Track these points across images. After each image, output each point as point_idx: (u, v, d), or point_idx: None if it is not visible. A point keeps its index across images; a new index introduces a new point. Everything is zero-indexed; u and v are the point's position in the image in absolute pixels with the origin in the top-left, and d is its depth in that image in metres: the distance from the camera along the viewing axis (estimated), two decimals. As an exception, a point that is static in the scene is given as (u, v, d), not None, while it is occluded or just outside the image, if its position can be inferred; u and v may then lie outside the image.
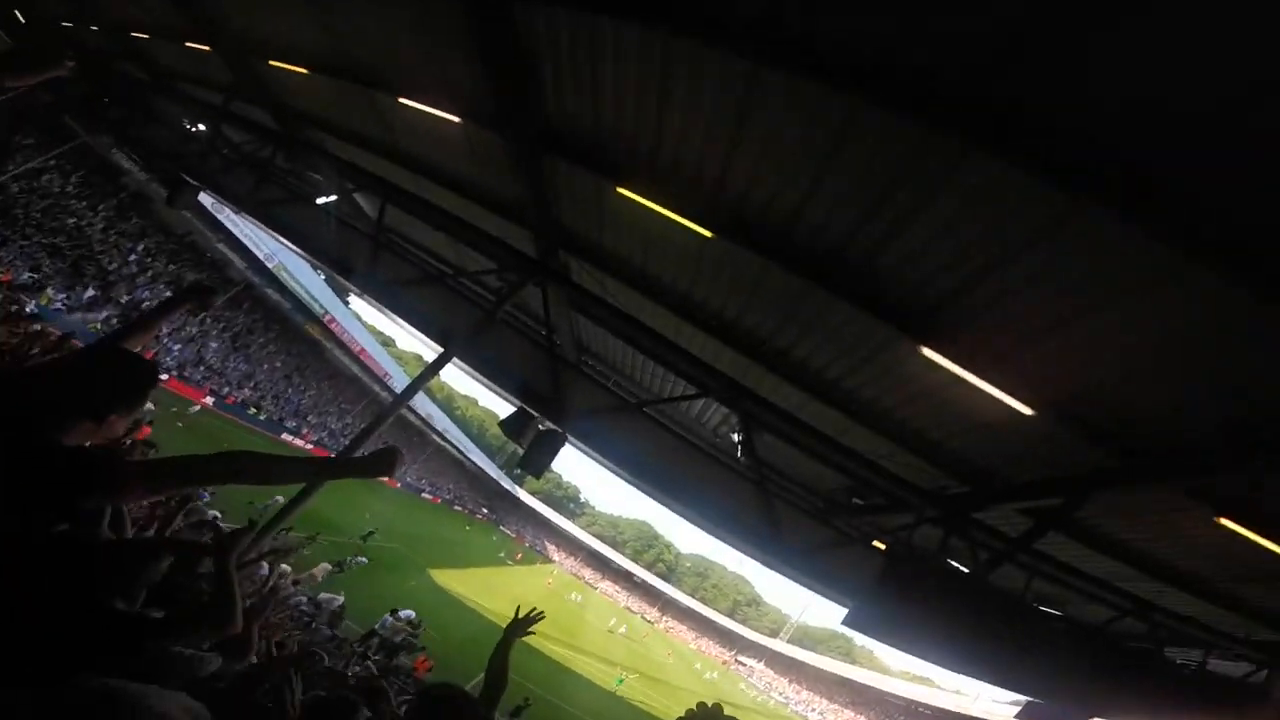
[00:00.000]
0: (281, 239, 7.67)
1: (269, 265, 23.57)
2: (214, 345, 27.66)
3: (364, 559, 18.01)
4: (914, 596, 4.63)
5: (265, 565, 6.58)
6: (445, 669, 13.55)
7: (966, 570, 5.51)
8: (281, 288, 26.54)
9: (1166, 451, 4.12)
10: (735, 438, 6.76)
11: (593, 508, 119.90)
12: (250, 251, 22.32)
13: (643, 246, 5.44)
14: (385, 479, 2.02)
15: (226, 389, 27.77)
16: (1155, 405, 3.91)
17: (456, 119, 5.97)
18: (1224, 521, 4.40)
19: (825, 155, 4.00)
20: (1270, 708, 5.76)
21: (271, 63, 7.37)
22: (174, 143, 8.70)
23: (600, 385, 7.21)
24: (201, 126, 8.93)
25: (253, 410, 29.64)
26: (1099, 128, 2.91)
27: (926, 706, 51.77)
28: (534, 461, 6.05)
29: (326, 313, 30.15)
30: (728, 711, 1.62)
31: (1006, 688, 5.26)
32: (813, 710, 61.40)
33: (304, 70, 7.04)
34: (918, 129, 3.41)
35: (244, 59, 7.76)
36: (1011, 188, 3.38)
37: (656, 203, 5.10)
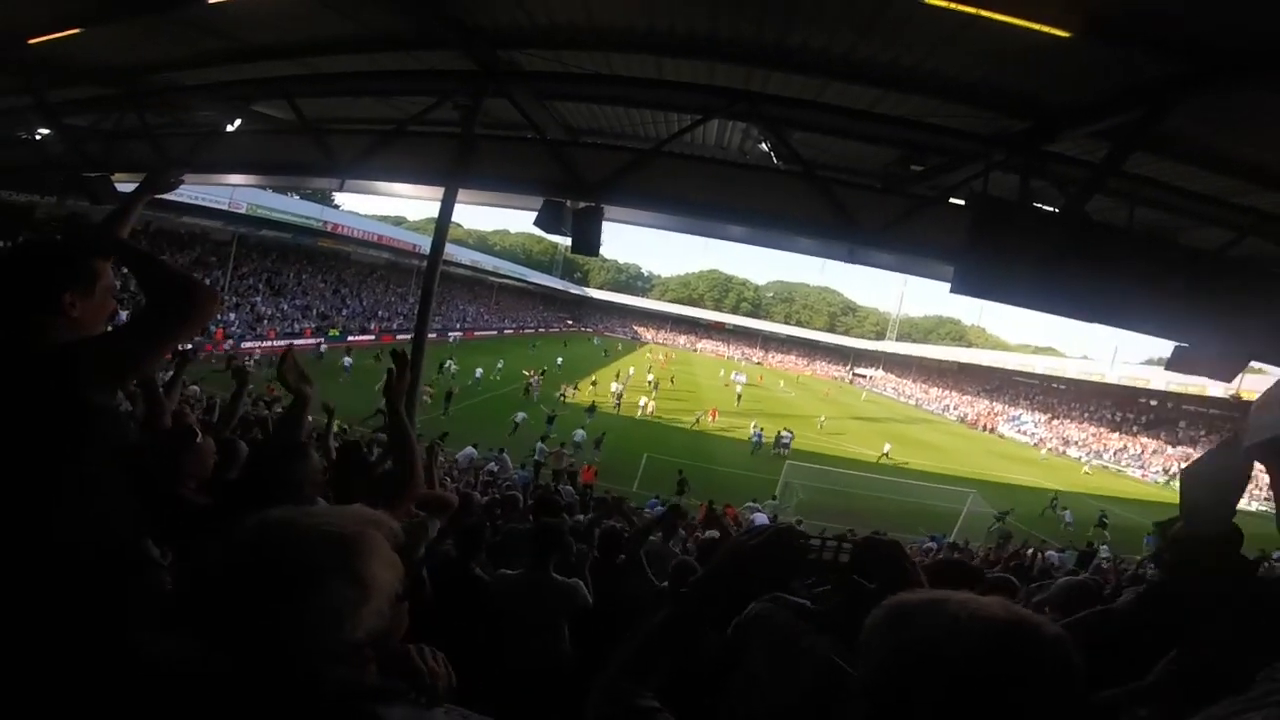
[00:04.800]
0: (225, 181, 7.76)
1: (241, 211, 22.88)
2: (257, 299, 28.56)
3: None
4: (1011, 244, 4.34)
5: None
6: (608, 471, 15.54)
7: (1056, 210, 5.17)
8: (270, 224, 26.09)
9: (1247, 48, 3.38)
10: (763, 147, 6.33)
11: (659, 277, 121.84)
12: (213, 208, 21.61)
13: (581, 5, 4.59)
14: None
15: (296, 326, 29.33)
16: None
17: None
18: None
19: None
20: None
21: (31, 41, 6.28)
22: (28, 157, 8.46)
23: (609, 148, 6.90)
24: (42, 131, 8.39)
25: (332, 332, 31.42)
26: None
27: (1060, 380, 47.31)
28: (583, 241, 6.07)
29: (325, 222, 29.75)
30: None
31: (1137, 329, 4.95)
32: (947, 406, 56.21)
33: (76, 30, 5.95)
34: None
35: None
36: None
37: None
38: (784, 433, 23.43)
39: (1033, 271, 4.38)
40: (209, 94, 7.10)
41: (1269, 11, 3.17)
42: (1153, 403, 41.26)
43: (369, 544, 0.68)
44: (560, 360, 35.99)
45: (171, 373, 3.17)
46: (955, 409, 54.65)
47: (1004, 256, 4.43)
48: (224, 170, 7.58)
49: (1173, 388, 34.30)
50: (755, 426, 23.57)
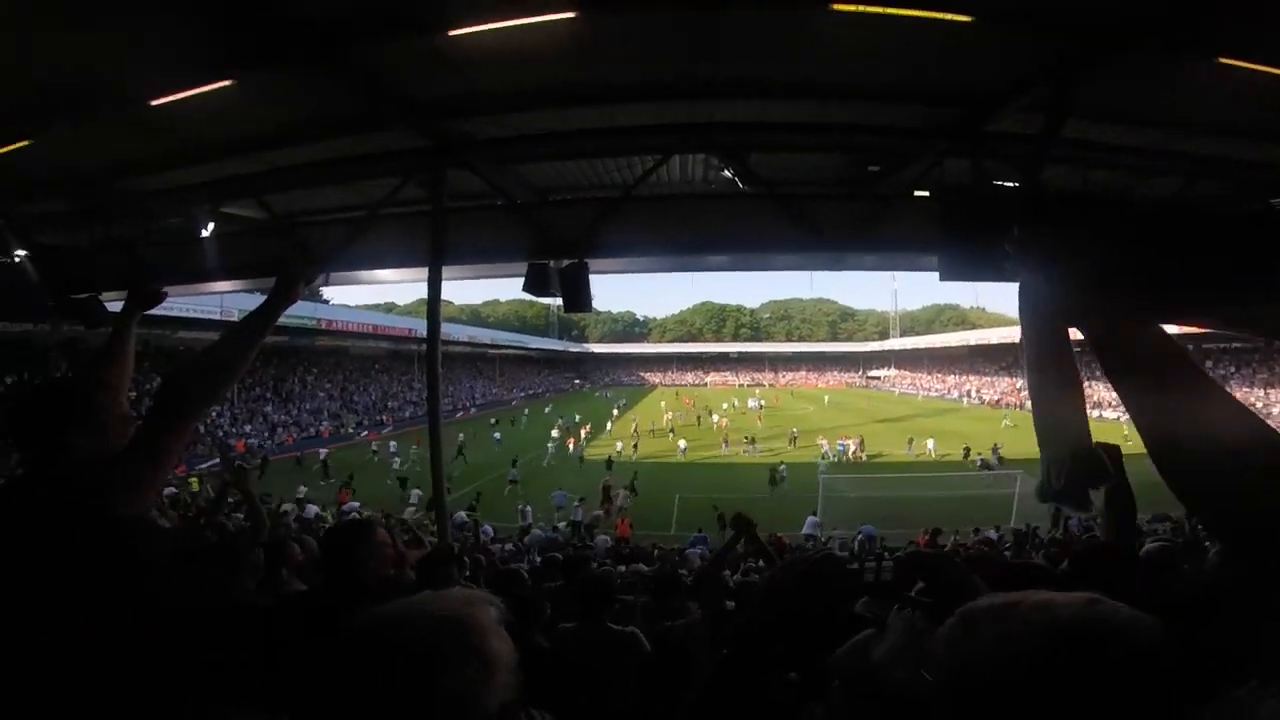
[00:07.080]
0: (210, 289, 7.65)
1: (233, 318, 23.20)
2: (268, 409, 28.83)
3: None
4: (982, 224, 4.51)
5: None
6: (643, 522, 14.92)
7: (1016, 185, 5.30)
8: (264, 329, 26.45)
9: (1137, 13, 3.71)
10: (727, 174, 6.51)
11: (656, 319, 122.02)
12: (205, 319, 21.60)
13: (519, 68, 4.69)
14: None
15: (311, 429, 29.44)
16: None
17: (227, 82, 4.74)
18: (1225, 61, 4.17)
19: None
20: None
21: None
22: (10, 281, 7.96)
23: (580, 202, 7.12)
24: (19, 253, 7.91)
25: (345, 430, 31.50)
26: None
27: (1074, 342, 47.15)
28: (574, 298, 6.19)
29: (319, 320, 30.19)
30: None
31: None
32: (968, 391, 53.70)
33: (24, 142, 5.64)
34: None
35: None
36: None
37: (493, 20, 4.19)
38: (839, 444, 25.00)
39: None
40: (174, 198, 7.04)
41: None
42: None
43: (482, 621, 0.74)
44: (615, 411, 40.92)
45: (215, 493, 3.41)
46: (976, 393, 52.88)
47: (979, 237, 4.49)
48: (206, 278, 7.56)
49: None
50: (828, 442, 24.94)
